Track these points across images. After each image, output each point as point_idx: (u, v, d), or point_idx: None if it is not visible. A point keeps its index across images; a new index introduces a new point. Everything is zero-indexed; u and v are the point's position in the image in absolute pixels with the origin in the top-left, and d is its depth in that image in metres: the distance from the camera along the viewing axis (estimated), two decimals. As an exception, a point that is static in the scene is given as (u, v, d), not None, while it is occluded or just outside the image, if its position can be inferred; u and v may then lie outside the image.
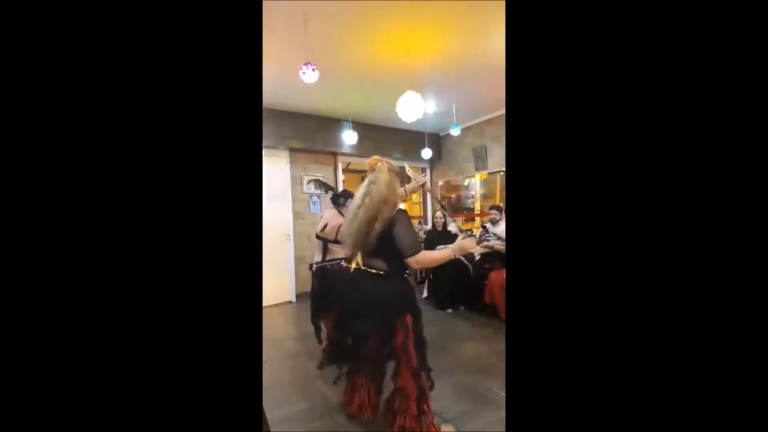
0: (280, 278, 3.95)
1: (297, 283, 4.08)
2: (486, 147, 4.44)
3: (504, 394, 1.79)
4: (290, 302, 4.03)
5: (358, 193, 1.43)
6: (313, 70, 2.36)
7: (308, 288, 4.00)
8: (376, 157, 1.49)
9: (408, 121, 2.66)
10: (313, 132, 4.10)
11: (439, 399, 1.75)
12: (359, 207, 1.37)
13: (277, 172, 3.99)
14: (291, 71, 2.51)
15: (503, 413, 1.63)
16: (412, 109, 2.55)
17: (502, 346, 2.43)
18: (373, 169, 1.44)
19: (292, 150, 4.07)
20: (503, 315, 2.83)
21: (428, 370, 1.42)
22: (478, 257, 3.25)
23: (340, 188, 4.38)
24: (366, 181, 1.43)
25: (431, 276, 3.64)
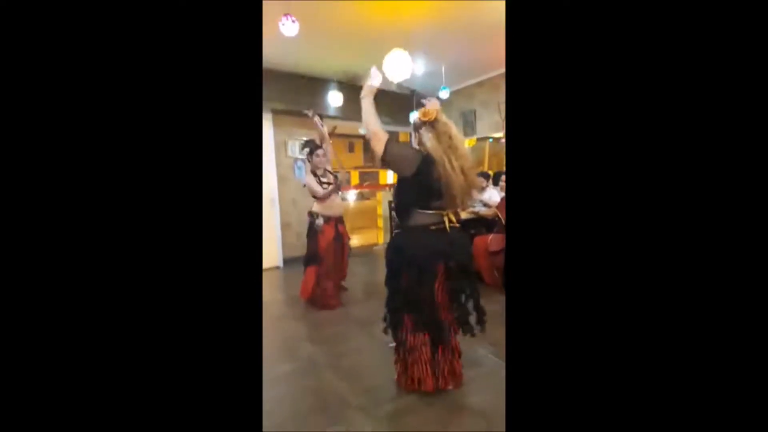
0: (266, 244, 3.93)
1: (283, 248, 4.07)
2: (475, 111, 4.35)
3: (484, 353, 1.88)
4: (277, 267, 4.04)
5: (434, 150, 1.33)
6: (293, 21, 2.22)
7: (295, 253, 4.04)
8: (429, 107, 1.37)
9: (395, 82, 2.54)
10: (297, 93, 3.91)
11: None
12: (449, 164, 1.30)
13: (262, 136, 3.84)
14: (271, 24, 2.33)
15: (483, 370, 1.72)
16: (400, 68, 2.42)
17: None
18: (432, 120, 1.35)
19: (275, 112, 3.90)
20: (487, 279, 2.91)
21: None
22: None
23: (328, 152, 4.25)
24: (433, 136, 1.34)
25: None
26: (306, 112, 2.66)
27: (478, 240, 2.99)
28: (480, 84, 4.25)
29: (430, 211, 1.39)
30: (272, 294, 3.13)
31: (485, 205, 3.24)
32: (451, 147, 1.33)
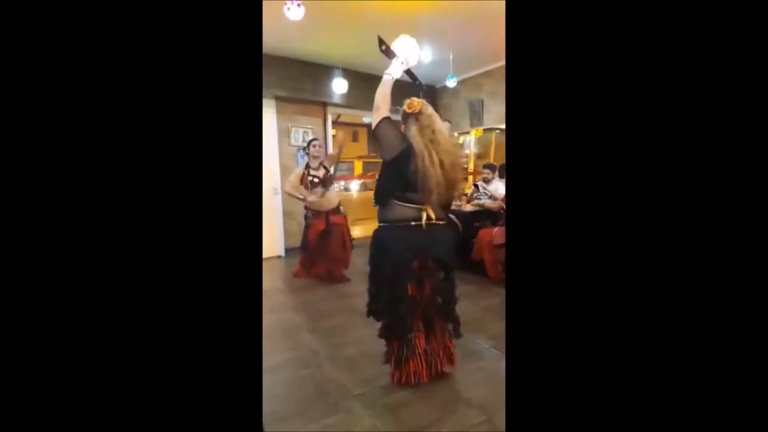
0: (268, 233, 3.92)
1: (286, 237, 4.06)
2: (482, 101, 4.26)
3: (486, 346, 1.87)
4: (279, 257, 4.04)
5: (416, 142, 1.34)
6: (299, 5, 2.16)
7: (297, 243, 4.02)
8: (414, 98, 1.41)
9: (410, 64, 2.49)
10: (300, 80, 3.84)
11: (423, 350, 1.83)
12: (428, 157, 1.31)
13: (262, 123, 3.79)
14: (275, 8, 2.27)
15: (484, 363, 1.71)
16: (407, 54, 2.35)
17: (486, 302, 2.49)
18: (416, 112, 1.38)
19: (278, 99, 3.83)
20: (491, 273, 2.89)
21: None
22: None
23: (329, 144, 4.20)
24: (416, 128, 1.37)
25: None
26: (334, 134, 2.98)
27: (483, 233, 2.95)
28: (488, 74, 4.15)
29: (409, 205, 1.38)
30: (273, 283, 3.13)
31: (491, 197, 3.19)
32: (432, 141, 1.34)
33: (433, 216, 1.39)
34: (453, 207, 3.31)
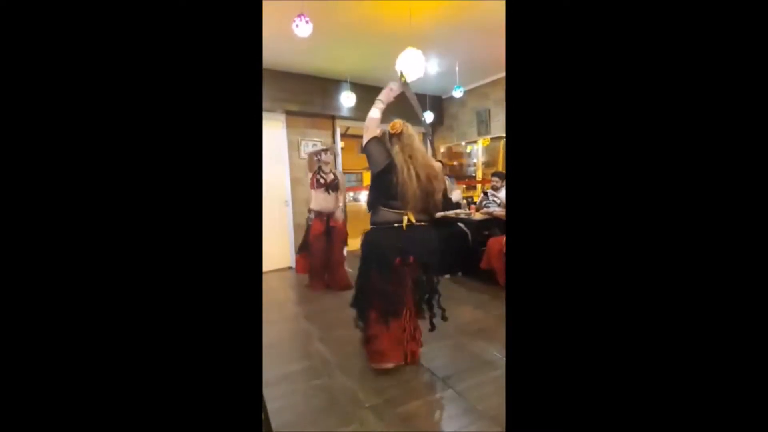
0: (279, 245, 3.96)
1: (296, 249, 4.08)
2: (489, 110, 4.28)
3: (500, 356, 1.84)
4: (290, 268, 4.06)
5: (397, 159, 1.58)
6: (307, 22, 2.23)
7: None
8: (399, 120, 1.64)
9: (408, 81, 2.53)
10: (309, 94, 3.93)
11: (435, 359, 1.80)
12: (407, 171, 1.55)
13: (273, 137, 3.88)
14: (284, 25, 2.35)
15: (497, 373, 1.68)
16: (413, 67, 2.40)
17: (498, 311, 2.46)
18: (398, 133, 1.61)
19: (288, 113, 3.92)
20: (501, 281, 2.85)
21: None
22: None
23: (339, 155, 4.27)
24: (398, 147, 1.59)
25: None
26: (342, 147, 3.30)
27: (492, 241, 2.93)
28: (494, 83, 4.18)
29: (392, 210, 1.62)
30: (285, 293, 3.15)
31: (500, 205, 3.18)
32: (411, 157, 1.58)
33: (413, 219, 1.63)
34: (462, 216, 3.35)
